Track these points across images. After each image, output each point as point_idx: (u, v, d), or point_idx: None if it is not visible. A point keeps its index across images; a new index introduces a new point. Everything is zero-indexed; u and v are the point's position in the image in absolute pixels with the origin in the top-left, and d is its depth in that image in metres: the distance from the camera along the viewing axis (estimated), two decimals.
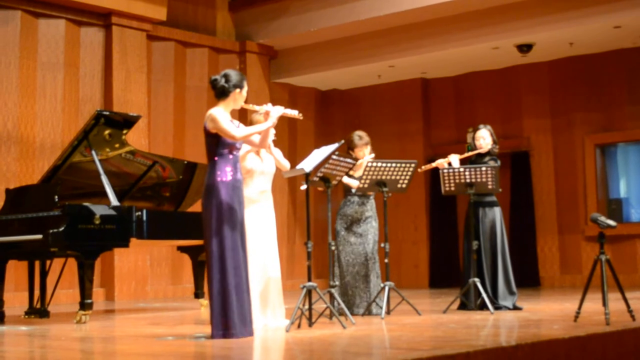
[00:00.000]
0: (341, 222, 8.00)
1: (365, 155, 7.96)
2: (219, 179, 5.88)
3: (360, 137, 8.04)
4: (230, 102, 6.06)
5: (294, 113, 6.49)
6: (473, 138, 8.39)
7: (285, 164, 7.04)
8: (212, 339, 5.76)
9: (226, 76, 6.03)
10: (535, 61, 13.19)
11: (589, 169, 12.87)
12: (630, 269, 12.22)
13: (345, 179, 7.74)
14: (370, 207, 8.05)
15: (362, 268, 7.88)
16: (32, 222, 7.68)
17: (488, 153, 8.33)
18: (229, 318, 5.77)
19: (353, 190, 7.95)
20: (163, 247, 12.08)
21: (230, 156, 5.97)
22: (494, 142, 8.37)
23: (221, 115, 5.92)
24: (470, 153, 8.38)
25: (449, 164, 8.23)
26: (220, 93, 6.04)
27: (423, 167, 8.64)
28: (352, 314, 7.62)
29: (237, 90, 6.04)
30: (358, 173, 7.89)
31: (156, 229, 8.07)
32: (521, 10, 11.61)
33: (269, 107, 6.35)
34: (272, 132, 6.85)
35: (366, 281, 7.88)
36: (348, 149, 8.01)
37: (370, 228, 7.98)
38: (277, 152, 7.07)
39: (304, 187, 6.96)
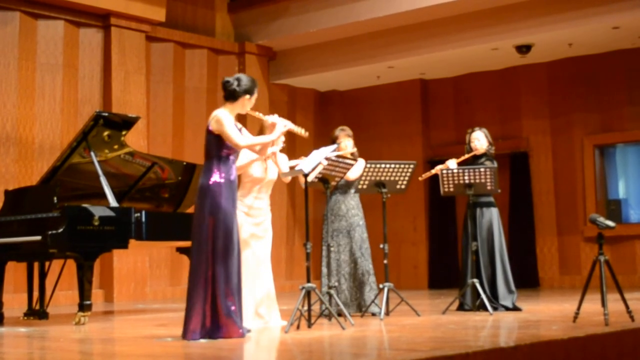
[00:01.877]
0: (326, 221, 7.94)
1: (348, 148, 7.93)
2: (213, 179, 5.87)
3: (342, 129, 8.06)
4: (237, 106, 6.07)
5: (300, 131, 6.48)
6: (469, 140, 8.40)
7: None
8: (198, 340, 5.74)
9: (239, 80, 6.04)
10: (534, 62, 13.20)
11: (588, 169, 12.88)
12: (629, 270, 12.22)
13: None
14: (355, 204, 8.00)
15: (351, 268, 7.85)
16: (31, 224, 7.67)
17: (484, 154, 8.33)
18: (218, 319, 5.76)
19: (355, 185, 7.91)
20: (162, 248, 12.08)
21: (228, 158, 5.96)
22: (490, 143, 8.37)
23: (227, 119, 5.91)
24: (467, 156, 8.38)
25: (447, 168, 8.23)
26: (230, 96, 6.04)
27: (423, 175, 8.65)
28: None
29: (247, 96, 6.05)
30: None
31: (155, 230, 8.06)
32: (520, 11, 11.62)
33: (275, 118, 6.35)
34: (282, 139, 6.87)
35: (356, 280, 7.85)
36: (332, 144, 7.98)
37: (357, 227, 7.94)
38: (283, 160, 7.07)
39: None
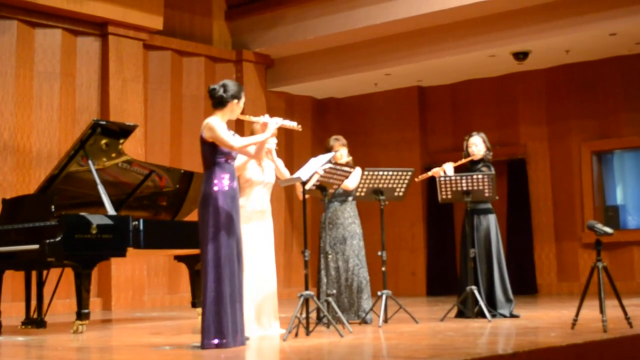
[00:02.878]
0: (324, 229, 7.96)
1: (344, 157, 7.96)
2: (216, 187, 5.88)
3: (336, 138, 8.09)
4: (227, 112, 6.07)
5: (292, 124, 6.49)
6: (466, 146, 8.40)
7: (286, 174, 7.06)
8: (204, 348, 5.74)
9: (224, 86, 6.05)
10: (532, 69, 13.21)
11: (586, 176, 12.88)
12: (627, 276, 12.21)
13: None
14: (352, 212, 8.01)
15: (348, 276, 7.85)
16: (28, 232, 7.66)
17: (482, 160, 8.33)
18: (223, 327, 5.76)
19: (353, 193, 7.91)
20: (160, 257, 12.07)
21: (227, 165, 5.98)
22: (488, 149, 8.37)
23: (218, 125, 5.93)
24: (464, 160, 8.38)
25: (444, 172, 8.23)
26: (218, 103, 6.05)
27: (419, 176, 8.65)
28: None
29: (235, 100, 6.06)
30: None
31: (153, 239, 8.05)
32: (517, 18, 11.63)
33: (266, 118, 6.36)
34: (274, 141, 6.89)
35: (353, 288, 7.85)
36: (326, 152, 8.02)
37: (354, 235, 7.94)
38: (279, 162, 7.08)
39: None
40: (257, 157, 6.48)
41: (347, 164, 7.87)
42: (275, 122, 6.32)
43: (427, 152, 14.33)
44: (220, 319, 5.76)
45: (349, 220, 7.95)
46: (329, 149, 7.98)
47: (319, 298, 7.62)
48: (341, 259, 7.87)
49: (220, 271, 5.80)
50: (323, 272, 7.77)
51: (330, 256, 7.72)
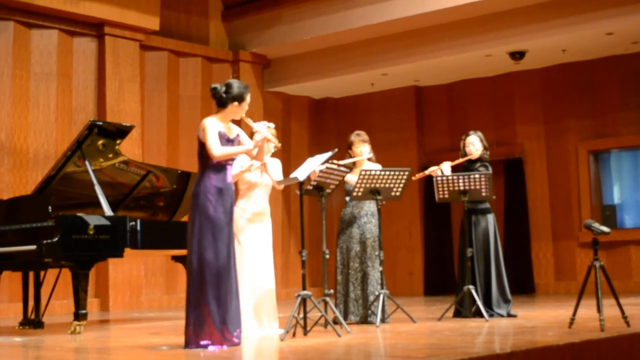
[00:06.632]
0: (341, 225, 8.01)
1: (364, 153, 7.97)
2: (206, 188, 5.82)
3: (358, 134, 8.09)
4: (227, 114, 6.00)
5: (274, 141, 6.40)
6: (463, 145, 8.40)
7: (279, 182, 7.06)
8: (193, 348, 5.72)
9: (227, 86, 5.95)
10: (528, 68, 13.23)
11: (583, 175, 12.90)
12: (625, 275, 12.23)
13: (347, 176, 7.71)
14: (371, 212, 8.01)
15: (362, 276, 7.86)
16: (25, 233, 7.65)
17: (479, 159, 8.33)
18: (212, 326, 5.73)
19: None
20: (157, 257, 12.07)
21: (220, 165, 5.91)
22: (485, 148, 8.37)
23: (210, 127, 5.86)
24: (461, 160, 8.38)
25: (441, 171, 8.24)
26: (219, 103, 5.99)
27: (416, 175, 8.65)
28: (347, 320, 7.64)
29: (235, 103, 5.95)
30: (357, 172, 7.86)
31: (150, 239, 8.05)
32: (514, 18, 11.65)
33: (260, 126, 6.28)
34: (272, 145, 6.85)
35: (362, 287, 7.85)
36: (348, 149, 8.06)
37: (369, 234, 7.94)
38: (276, 165, 7.07)
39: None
40: (259, 158, 6.36)
41: (370, 161, 8.03)
42: (260, 133, 6.26)
43: (424, 152, 14.34)
44: (216, 319, 5.74)
45: (364, 218, 7.97)
46: (349, 144, 8.01)
47: (336, 298, 7.78)
48: (354, 259, 7.87)
49: (207, 273, 5.75)
50: (339, 271, 7.84)
51: (327, 256, 7.72)
